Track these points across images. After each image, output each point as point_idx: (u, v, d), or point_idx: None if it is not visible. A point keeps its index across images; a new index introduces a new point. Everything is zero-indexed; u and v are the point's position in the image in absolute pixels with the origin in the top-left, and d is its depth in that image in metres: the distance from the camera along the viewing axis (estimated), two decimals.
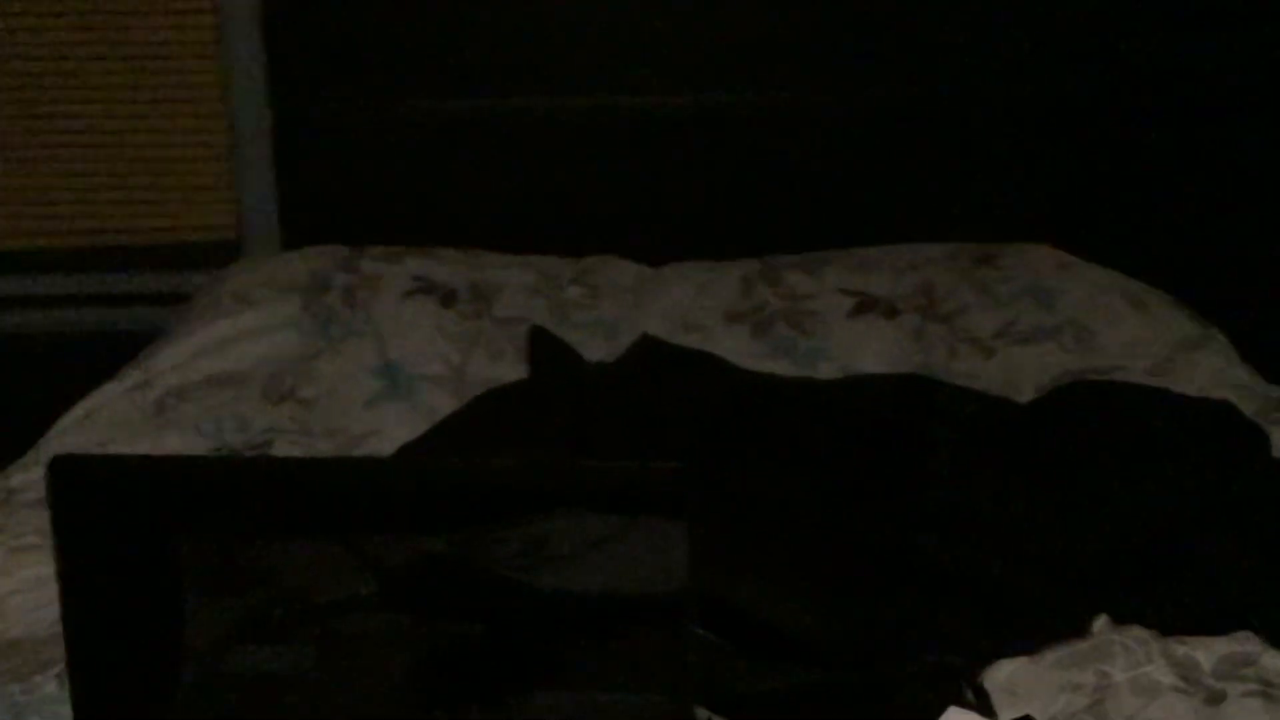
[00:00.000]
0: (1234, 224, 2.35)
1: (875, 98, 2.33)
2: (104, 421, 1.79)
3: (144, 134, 2.36)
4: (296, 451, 1.75)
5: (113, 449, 1.71)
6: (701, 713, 1.03)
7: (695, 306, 2.04)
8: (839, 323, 2.01)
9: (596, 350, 1.91)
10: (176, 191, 2.38)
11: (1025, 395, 1.83)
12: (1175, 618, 1.23)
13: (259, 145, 2.34)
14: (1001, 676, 1.16)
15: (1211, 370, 1.85)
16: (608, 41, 2.32)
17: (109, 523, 1.02)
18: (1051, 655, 1.18)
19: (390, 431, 1.81)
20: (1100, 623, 1.22)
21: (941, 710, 1.03)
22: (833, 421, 1.47)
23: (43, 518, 1.51)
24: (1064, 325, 1.98)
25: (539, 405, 1.49)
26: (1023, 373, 1.89)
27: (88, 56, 2.32)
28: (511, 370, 1.89)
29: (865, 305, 2.03)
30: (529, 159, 2.35)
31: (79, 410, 1.82)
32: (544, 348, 1.62)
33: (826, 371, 1.89)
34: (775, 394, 1.60)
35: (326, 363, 1.91)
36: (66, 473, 0.99)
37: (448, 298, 2.03)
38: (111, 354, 2.01)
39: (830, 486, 1.34)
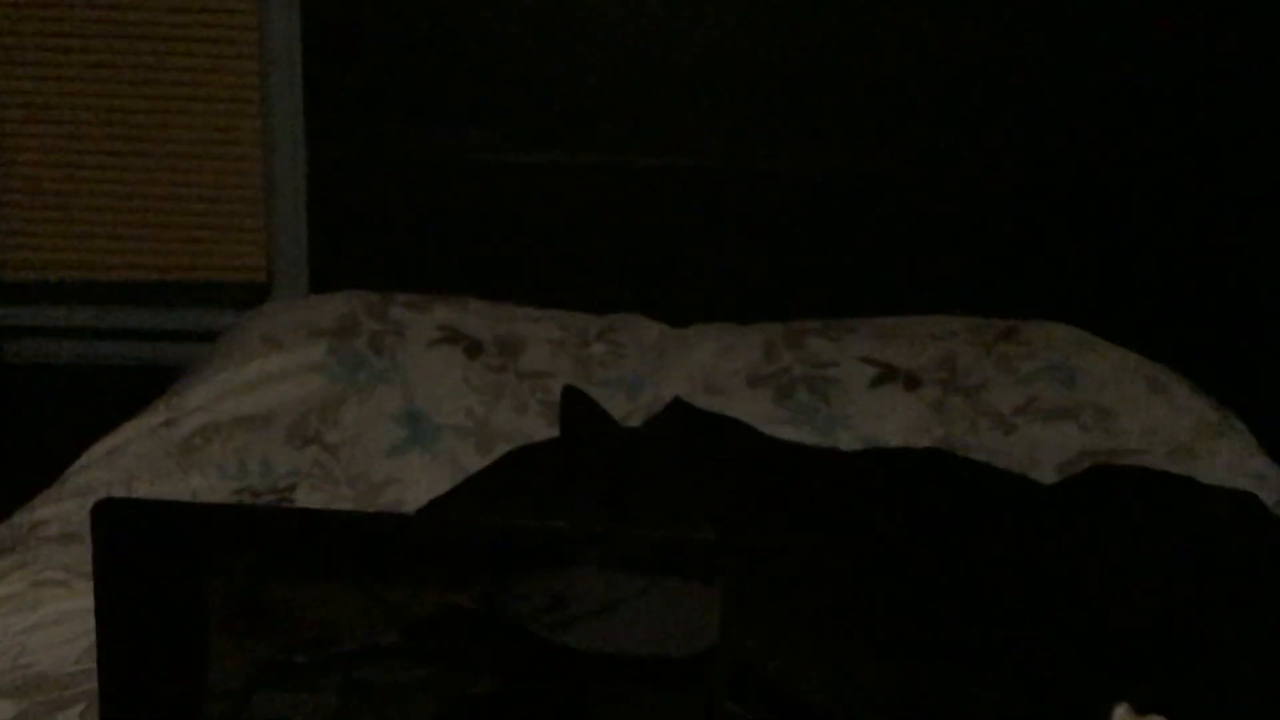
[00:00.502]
0: (1253, 307, 2.37)
1: (904, 169, 2.36)
2: (130, 457, 1.80)
3: (181, 173, 2.39)
4: (319, 496, 1.76)
5: (138, 485, 1.72)
6: None
7: (718, 368, 2.05)
8: (860, 391, 2.02)
9: (619, 408, 1.92)
10: (210, 231, 2.41)
11: (1045, 473, 1.84)
12: (1195, 707, 1.23)
13: (293, 188, 2.37)
14: None
15: (1231, 458, 1.85)
16: (641, 100, 2.36)
17: (146, 565, 1.03)
18: None
19: (412, 479, 1.82)
20: (1121, 710, 1.22)
21: None
22: (860, 493, 1.47)
23: (65, 553, 1.53)
24: (1084, 405, 1.99)
25: (570, 466, 1.50)
26: (1043, 450, 1.90)
27: (129, 95, 2.36)
28: (534, 423, 1.90)
29: (887, 375, 2.04)
30: (557, 212, 2.37)
31: (104, 445, 1.83)
32: (576, 408, 1.63)
33: (847, 440, 1.90)
34: (804, 464, 1.60)
35: (352, 408, 1.92)
36: (109, 516, 1.00)
37: (473, 348, 2.04)
38: (139, 387, 2.03)
39: (859, 557, 1.34)
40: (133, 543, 1.02)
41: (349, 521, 1.16)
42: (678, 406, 1.67)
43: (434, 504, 1.61)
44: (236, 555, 1.08)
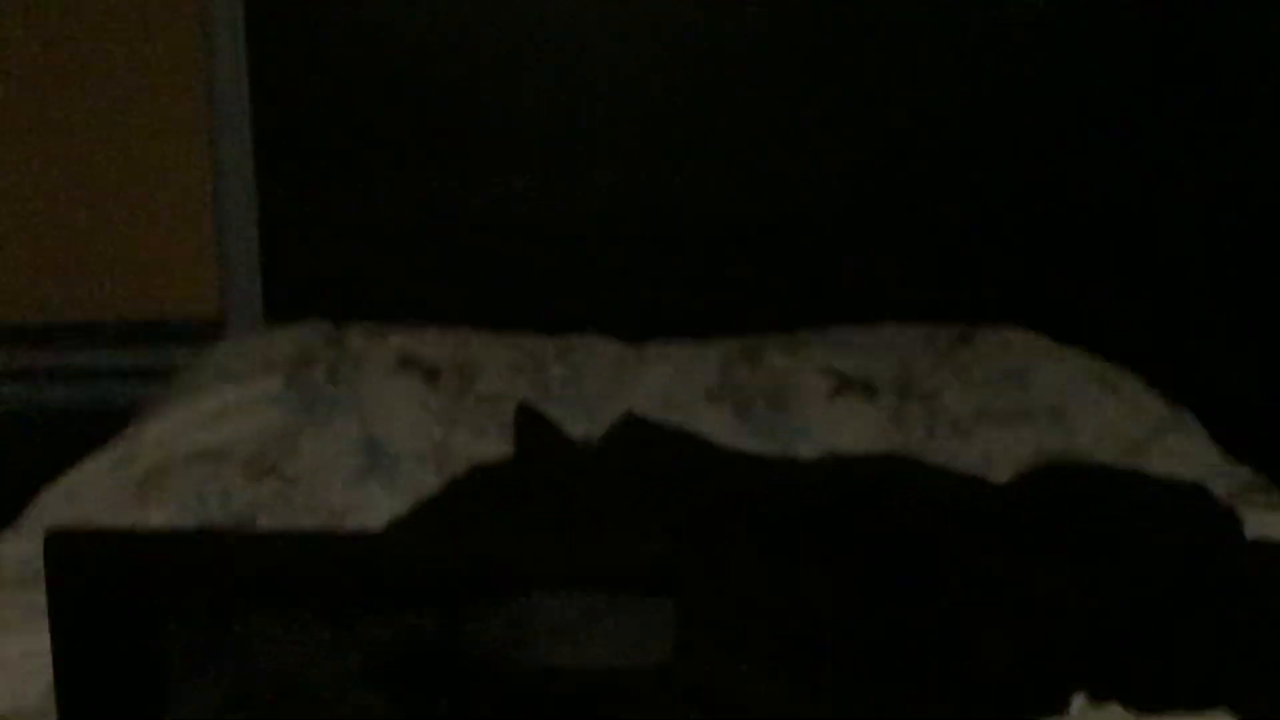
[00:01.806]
0: (1205, 303, 2.40)
1: (852, 180, 2.38)
2: (88, 497, 1.79)
3: (127, 209, 2.37)
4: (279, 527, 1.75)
5: (97, 523, 1.71)
6: None
7: (676, 386, 2.05)
8: (819, 403, 2.03)
9: (578, 428, 1.92)
10: (160, 268, 2.39)
11: (1002, 477, 1.85)
12: (1151, 696, 1.25)
13: (243, 223, 2.36)
14: None
15: (1183, 452, 1.88)
16: (586, 124, 2.36)
17: (101, 596, 1.03)
18: None
19: (372, 507, 1.82)
20: (1078, 701, 1.24)
21: None
22: (816, 502, 1.49)
23: (25, 594, 1.51)
24: (1038, 408, 2.01)
25: (524, 484, 1.50)
26: (1000, 454, 1.92)
27: (73, 130, 2.34)
28: (494, 448, 1.89)
29: (845, 386, 2.05)
30: (510, 239, 2.38)
31: (62, 485, 1.82)
32: (529, 425, 1.64)
33: (807, 451, 1.91)
34: (759, 474, 1.61)
35: (310, 439, 1.92)
36: (61, 546, 1.00)
37: (431, 375, 2.04)
38: (94, 430, 2.01)
39: (815, 567, 1.35)
40: (88, 573, 1.02)
41: (308, 542, 1.16)
42: (631, 421, 1.68)
43: (389, 528, 1.61)
44: (191, 584, 1.08)
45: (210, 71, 2.31)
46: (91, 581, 1.01)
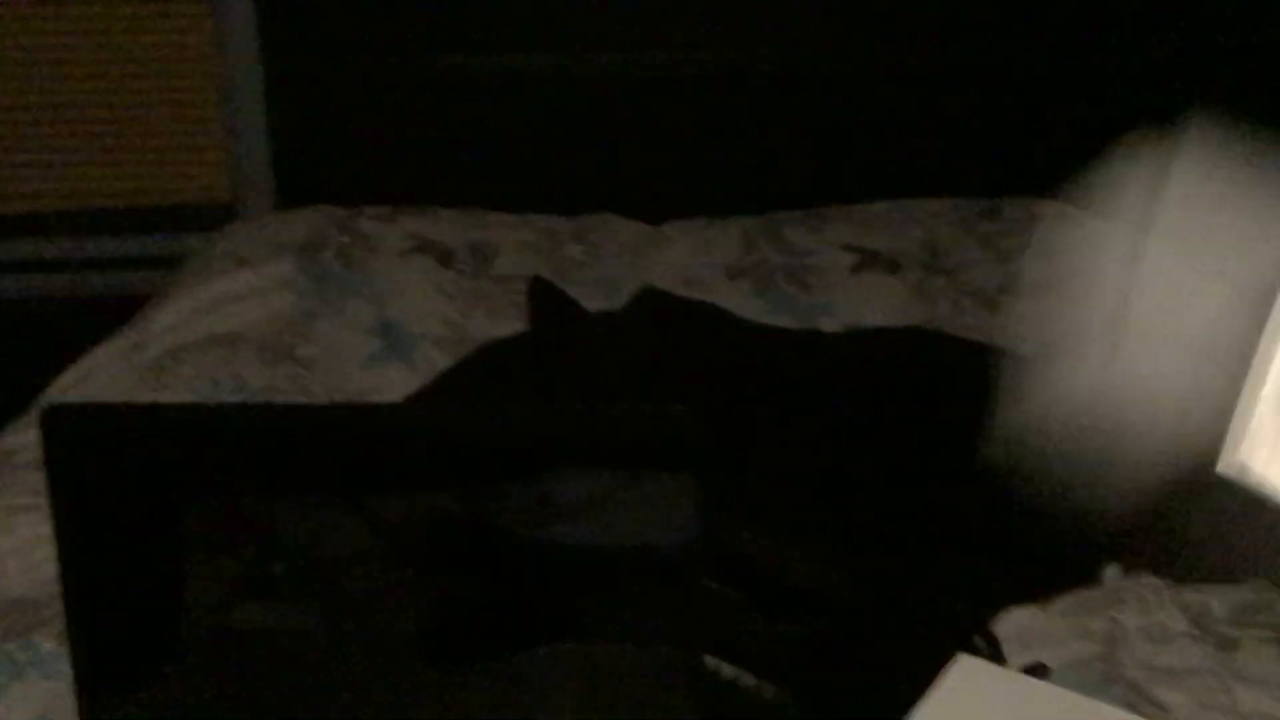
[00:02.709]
0: None
1: (876, 52, 2.31)
2: (99, 383, 1.77)
3: (135, 96, 2.33)
4: None
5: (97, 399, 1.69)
6: (711, 662, 1.01)
7: (696, 263, 2.02)
8: (841, 279, 2.00)
9: (596, 307, 1.89)
10: (169, 154, 2.35)
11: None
12: (1185, 568, 1.22)
13: (252, 106, 2.31)
14: (1012, 624, 1.14)
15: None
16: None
17: (106, 474, 1.00)
18: (1062, 603, 1.17)
19: (389, 391, 1.79)
20: (1111, 571, 1.21)
21: (952, 658, 1.01)
22: (839, 373, 1.45)
23: (38, 478, 1.49)
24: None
25: (540, 357, 1.47)
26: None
27: (79, 19, 2.29)
28: (511, 329, 1.86)
29: (867, 261, 2.02)
30: (525, 117, 2.32)
31: (74, 372, 1.80)
32: (544, 298, 1.60)
33: (829, 328, 1.88)
34: (780, 345, 1.58)
35: (324, 323, 1.89)
36: (61, 422, 0.97)
37: (446, 257, 2.01)
38: (106, 319, 1.99)
39: (838, 438, 1.32)
40: (89, 451, 0.99)
41: (318, 416, 1.12)
42: (649, 293, 1.65)
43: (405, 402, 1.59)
44: (202, 460, 1.05)
45: None
46: (94, 459, 0.98)
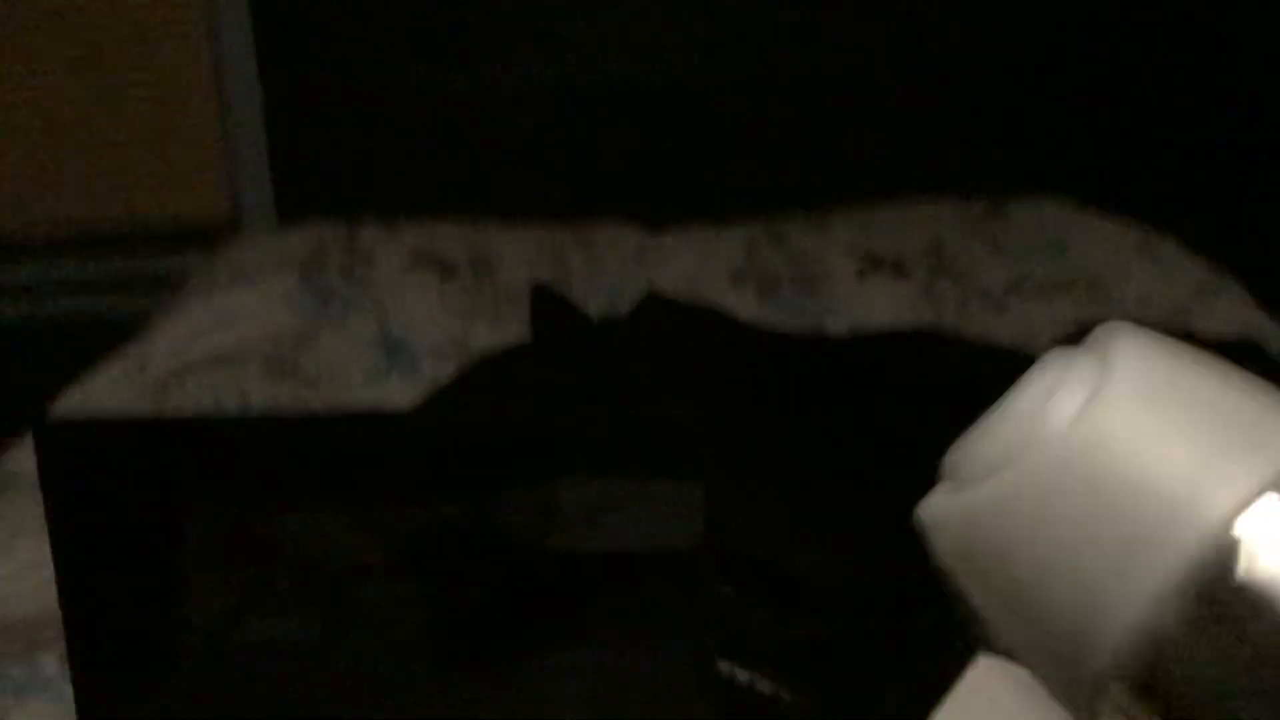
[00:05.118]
0: (1243, 169, 2.32)
1: (877, 54, 2.30)
2: (102, 403, 1.76)
3: (132, 114, 2.32)
4: None
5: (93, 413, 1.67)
6: (726, 666, 0.99)
7: (700, 270, 2.00)
8: (847, 283, 1.98)
9: (600, 316, 1.87)
10: (168, 171, 2.34)
11: (1041, 349, 1.79)
12: None
13: (251, 122, 2.30)
14: None
15: (1228, 316, 1.81)
16: (601, 7, 2.29)
17: (103, 488, 0.98)
18: None
19: (392, 404, 1.78)
20: None
21: (970, 658, 0.99)
22: (846, 375, 1.43)
23: (41, 501, 1.48)
24: (1077, 277, 1.94)
25: (543, 364, 1.46)
26: (1037, 327, 1.86)
27: (75, 36, 2.28)
28: (514, 339, 1.85)
29: (873, 264, 2.00)
30: (525, 127, 2.31)
31: (76, 393, 1.79)
32: (547, 305, 1.59)
33: (835, 331, 1.86)
34: (786, 347, 1.56)
35: (327, 338, 1.88)
36: (56, 438, 0.95)
37: (448, 269, 1.99)
38: (106, 341, 1.97)
39: (847, 440, 1.30)
40: (87, 466, 0.97)
41: (319, 425, 1.10)
42: (653, 299, 1.63)
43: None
44: (202, 472, 1.04)
45: None
46: (92, 474, 0.96)
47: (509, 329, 1.88)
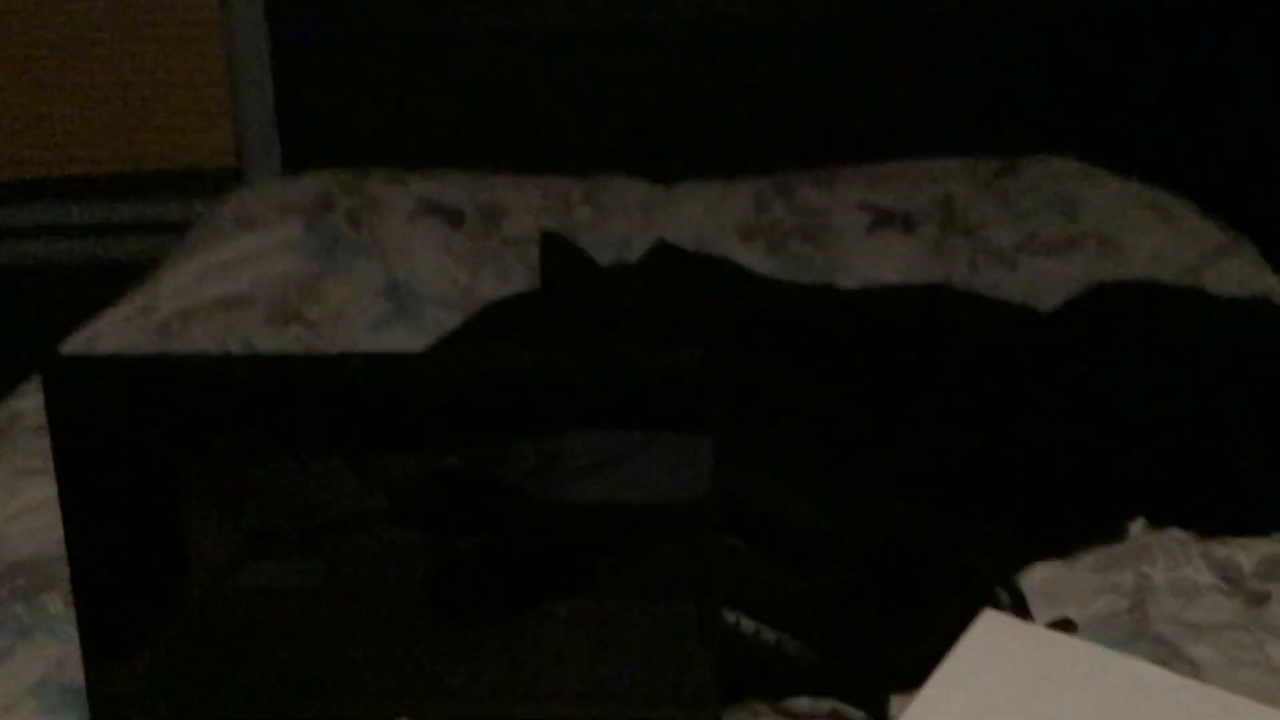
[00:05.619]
0: (1259, 131, 2.31)
1: (889, 6, 2.27)
2: (107, 346, 1.75)
3: (140, 60, 2.31)
4: None
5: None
6: (731, 616, 0.99)
7: (708, 224, 1.99)
8: (856, 238, 1.97)
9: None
10: (176, 118, 2.33)
11: (1050, 307, 1.78)
12: (1214, 520, 1.19)
13: (258, 69, 2.28)
14: (1037, 579, 1.12)
15: (1241, 277, 1.80)
16: None
17: (110, 428, 0.98)
18: (1089, 558, 1.14)
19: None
20: (1138, 525, 1.19)
21: (975, 613, 0.99)
22: (854, 328, 1.43)
23: (46, 442, 1.48)
24: (1088, 236, 1.93)
25: (552, 311, 1.45)
26: (1046, 285, 1.85)
27: None
28: (520, 290, 1.84)
29: (882, 220, 1.99)
30: (533, 77, 2.30)
31: (82, 335, 1.78)
32: (557, 252, 1.58)
33: (845, 286, 1.85)
34: (796, 299, 1.55)
35: (332, 284, 1.87)
36: (64, 377, 0.95)
37: (455, 219, 1.98)
38: (113, 284, 1.97)
39: (854, 391, 1.30)
40: (92, 404, 0.97)
41: (327, 366, 1.09)
42: (662, 248, 1.62)
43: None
44: (207, 415, 1.03)
45: None
46: (97, 412, 0.96)
47: (515, 278, 1.88)
